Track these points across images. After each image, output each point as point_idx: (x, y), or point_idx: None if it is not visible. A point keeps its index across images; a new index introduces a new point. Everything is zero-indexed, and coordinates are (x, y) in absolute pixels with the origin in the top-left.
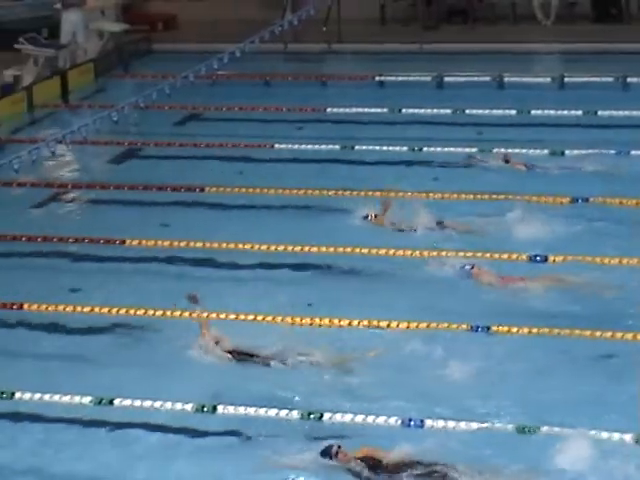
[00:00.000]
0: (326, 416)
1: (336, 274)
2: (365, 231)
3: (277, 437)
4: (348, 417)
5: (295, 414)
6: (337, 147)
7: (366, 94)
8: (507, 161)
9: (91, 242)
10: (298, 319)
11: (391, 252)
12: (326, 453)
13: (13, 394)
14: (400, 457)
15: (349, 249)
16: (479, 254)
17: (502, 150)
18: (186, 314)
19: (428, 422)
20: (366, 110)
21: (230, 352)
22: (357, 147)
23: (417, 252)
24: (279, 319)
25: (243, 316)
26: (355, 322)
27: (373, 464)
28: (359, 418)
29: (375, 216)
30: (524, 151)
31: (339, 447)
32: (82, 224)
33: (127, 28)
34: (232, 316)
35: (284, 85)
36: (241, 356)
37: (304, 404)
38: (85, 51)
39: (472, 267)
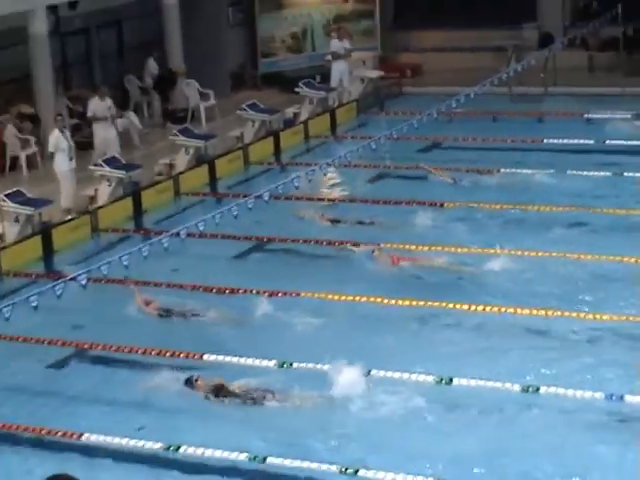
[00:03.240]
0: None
1: None
2: None
3: None
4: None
5: None
6: (551, 171)
7: (576, 128)
8: None
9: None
10: None
11: None
12: (188, 382)
13: None
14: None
15: None
16: None
17: None
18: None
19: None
20: (574, 141)
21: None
22: (569, 172)
23: None
24: None
25: None
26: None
27: (218, 389)
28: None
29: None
30: None
31: (198, 376)
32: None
33: (382, 75)
34: None
35: (508, 121)
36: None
37: None
38: (349, 93)
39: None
